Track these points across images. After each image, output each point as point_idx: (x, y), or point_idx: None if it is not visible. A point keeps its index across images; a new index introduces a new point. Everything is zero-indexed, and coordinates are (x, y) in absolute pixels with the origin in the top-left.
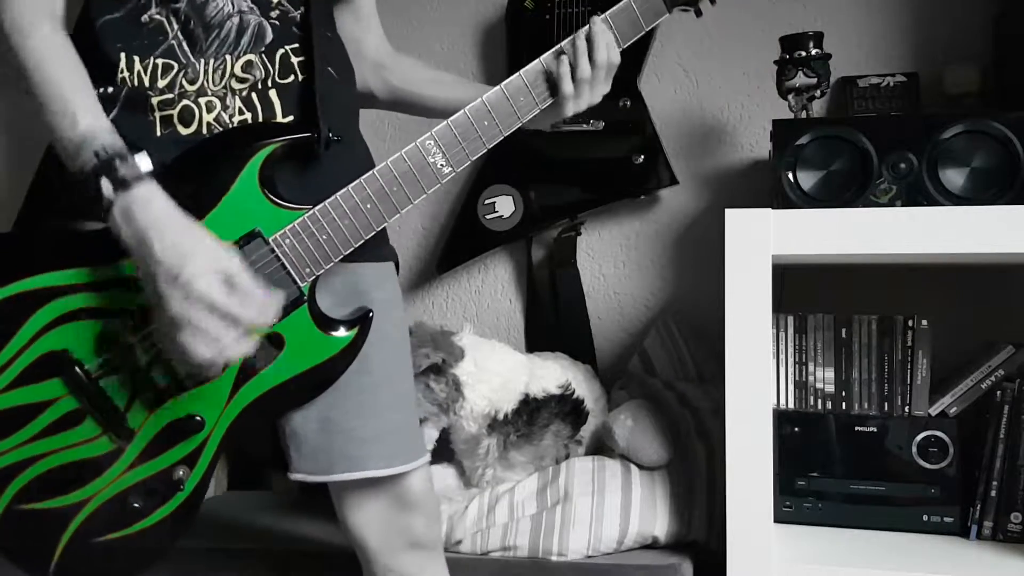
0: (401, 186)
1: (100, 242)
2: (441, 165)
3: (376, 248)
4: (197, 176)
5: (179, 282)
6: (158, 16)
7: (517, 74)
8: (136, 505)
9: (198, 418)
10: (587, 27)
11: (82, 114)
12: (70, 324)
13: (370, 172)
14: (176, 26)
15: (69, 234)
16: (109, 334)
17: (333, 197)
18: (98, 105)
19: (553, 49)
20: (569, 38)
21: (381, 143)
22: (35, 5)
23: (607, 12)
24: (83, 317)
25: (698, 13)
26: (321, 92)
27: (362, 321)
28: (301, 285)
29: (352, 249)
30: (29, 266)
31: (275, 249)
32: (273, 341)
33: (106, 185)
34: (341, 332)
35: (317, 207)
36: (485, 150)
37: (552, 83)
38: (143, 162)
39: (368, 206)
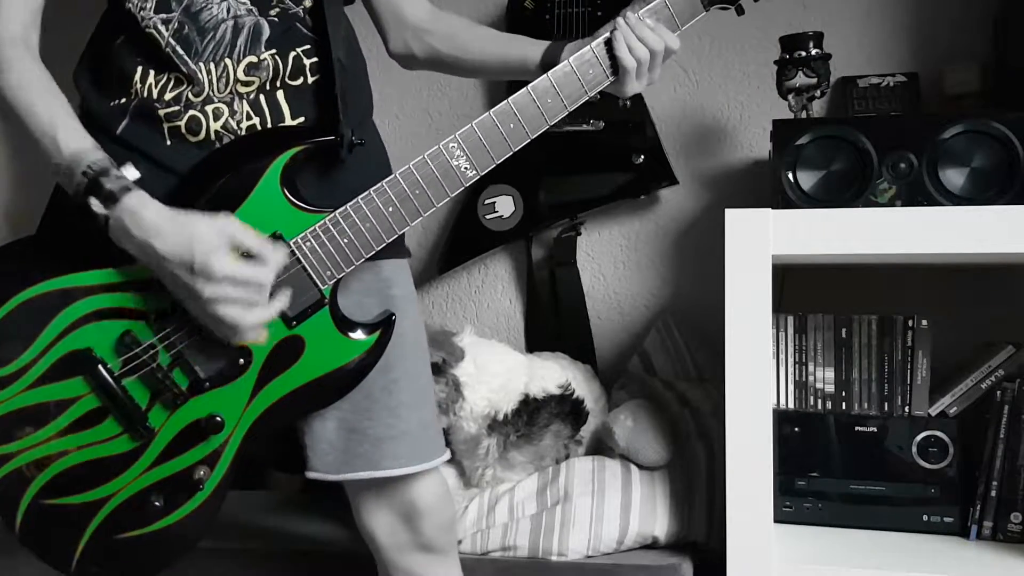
0: (424, 189)
1: None
2: (465, 168)
3: (397, 244)
4: (218, 181)
5: (196, 269)
6: (150, 21)
7: (544, 75)
8: (157, 504)
9: (219, 418)
10: (626, 16)
11: (64, 139)
12: (93, 324)
13: (392, 176)
14: (168, 32)
15: (91, 236)
16: (131, 334)
17: (355, 200)
18: (79, 126)
19: (591, 44)
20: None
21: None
22: (10, 38)
23: (643, 9)
24: (106, 317)
25: (740, 11)
26: (342, 94)
27: (385, 325)
28: (322, 288)
29: (373, 252)
30: (54, 267)
31: (296, 252)
32: (294, 344)
33: (95, 204)
34: (363, 335)
35: (339, 210)
36: (511, 152)
37: (584, 83)
38: (130, 172)
39: (390, 209)
